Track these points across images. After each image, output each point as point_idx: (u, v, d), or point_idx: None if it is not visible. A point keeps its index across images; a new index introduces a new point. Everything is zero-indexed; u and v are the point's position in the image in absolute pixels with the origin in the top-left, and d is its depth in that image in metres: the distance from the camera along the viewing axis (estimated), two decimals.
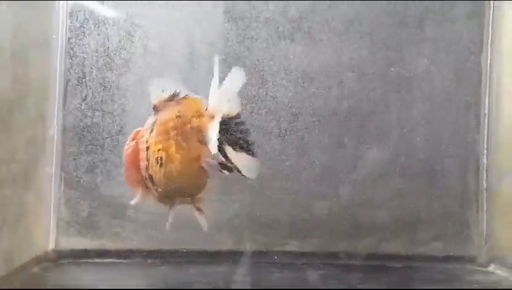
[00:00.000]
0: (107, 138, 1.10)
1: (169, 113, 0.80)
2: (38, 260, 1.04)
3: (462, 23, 1.15)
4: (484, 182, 1.15)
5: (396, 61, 1.14)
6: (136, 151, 0.82)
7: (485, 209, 1.15)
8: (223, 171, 0.81)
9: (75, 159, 1.10)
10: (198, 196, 0.84)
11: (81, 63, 1.10)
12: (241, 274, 1.05)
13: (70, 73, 1.10)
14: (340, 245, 1.13)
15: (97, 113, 1.09)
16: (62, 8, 1.09)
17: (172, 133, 0.79)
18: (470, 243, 1.15)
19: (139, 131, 0.83)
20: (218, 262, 1.09)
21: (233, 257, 1.10)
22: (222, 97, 0.81)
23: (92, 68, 1.10)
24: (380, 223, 1.14)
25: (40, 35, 1.06)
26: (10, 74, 0.94)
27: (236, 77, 0.82)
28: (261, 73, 1.13)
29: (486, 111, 1.15)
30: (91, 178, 1.10)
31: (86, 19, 1.10)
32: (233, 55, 1.12)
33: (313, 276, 1.06)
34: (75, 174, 1.10)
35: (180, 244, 1.11)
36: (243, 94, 1.11)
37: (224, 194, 1.11)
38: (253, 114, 1.12)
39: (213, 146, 0.77)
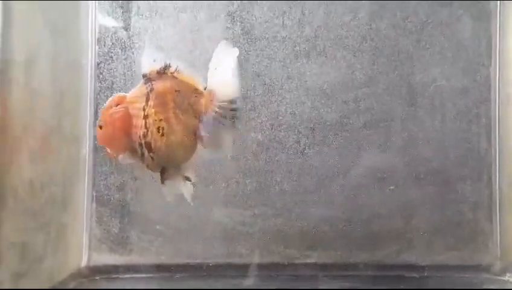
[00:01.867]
0: None
1: (166, 86, 0.82)
2: (74, 277, 1.07)
3: (469, 35, 1.17)
4: (497, 190, 1.17)
5: (408, 75, 1.17)
6: (127, 117, 0.82)
7: (498, 217, 1.17)
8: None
9: (106, 178, 1.13)
10: (185, 164, 0.86)
11: (110, 87, 1.14)
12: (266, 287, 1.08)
13: (100, 96, 1.14)
14: (359, 256, 1.16)
15: None
16: (91, 34, 1.13)
17: (171, 105, 0.82)
18: (485, 252, 1.16)
19: (124, 96, 0.84)
20: (244, 275, 1.11)
21: (258, 270, 1.13)
22: (219, 79, 0.84)
23: (120, 91, 1.12)
24: (397, 234, 1.16)
25: (72, 61, 1.10)
26: (52, 99, 0.99)
27: (228, 54, 0.85)
28: (280, 90, 1.16)
29: (497, 120, 1.17)
30: (121, 196, 1.13)
31: (113, 44, 1.14)
32: (253, 74, 1.15)
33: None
34: (106, 192, 1.13)
35: (206, 258, 1.14)
36: (264, 111, 1.16)
37: (247, 208, 1.15)
38: (273, 130, 1.16)
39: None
